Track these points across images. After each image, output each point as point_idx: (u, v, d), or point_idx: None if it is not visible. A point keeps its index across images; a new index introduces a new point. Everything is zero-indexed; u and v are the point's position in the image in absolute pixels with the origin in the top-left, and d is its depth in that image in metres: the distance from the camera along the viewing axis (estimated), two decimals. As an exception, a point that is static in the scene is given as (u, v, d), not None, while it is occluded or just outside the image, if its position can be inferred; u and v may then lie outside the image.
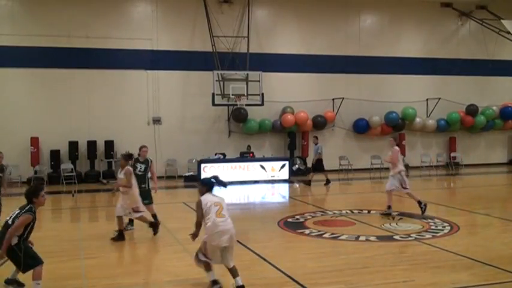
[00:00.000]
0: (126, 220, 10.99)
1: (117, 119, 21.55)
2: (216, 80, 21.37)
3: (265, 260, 8.74)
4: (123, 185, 10.36)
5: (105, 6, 21.61)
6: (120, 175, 10.43)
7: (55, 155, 20.75)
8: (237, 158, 21.49)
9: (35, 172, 20.41)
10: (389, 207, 12.73)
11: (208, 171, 20.26)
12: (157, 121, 22.35)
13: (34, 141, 20.39)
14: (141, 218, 10.66)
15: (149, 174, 11.63)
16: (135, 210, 10.46)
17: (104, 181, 20.63)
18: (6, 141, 20.03)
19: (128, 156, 10.65)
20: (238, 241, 10.15)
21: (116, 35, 21.55)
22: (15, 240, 6.84)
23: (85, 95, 21.35)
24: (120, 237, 10.32)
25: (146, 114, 22.22)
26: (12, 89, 20.60)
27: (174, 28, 22.52)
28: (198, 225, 7.26)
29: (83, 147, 21.17)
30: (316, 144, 19.59)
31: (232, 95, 21.28)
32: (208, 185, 7.35)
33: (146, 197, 11.42)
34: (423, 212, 12.43)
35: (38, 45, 20.66)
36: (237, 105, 21.83)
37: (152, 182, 11.65)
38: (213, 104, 21.31)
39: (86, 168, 21.26)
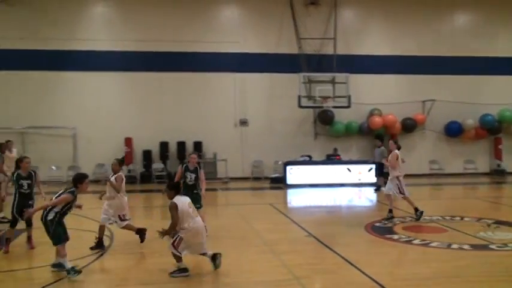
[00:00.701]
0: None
1: (205, 121, 22.09)
2: (303, 82, 21.34)
3: (351, 264, 8.58)
4: (115, 188, 9.87)
5: (195, 12, 22.21)
6: (112, 179, 9.89)
7: (147, 155, 21.60)
8: (323, 161, 21.33)
9: (129, 171, 21.34)
10: (390, 210, 12.50)
11: (294, 173, 20.27)
12: (244, 123, 22.66)
13: (128, 141, 21.36)
14: (127, 227, 10.19)
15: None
16: (122, 218, 10.03)
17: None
18: (102, 141, 21.16)
19: (122, 161, 10.33)
20: (324, 244, 10.10)
21: (205, 39, 22.11)
22: (51, 215, 7.80)
23: (175, 98, 22.06)
24: (99, 245, 9.77)
25: (233, 116, 22.59)
26: (108, 92, 21.68)
27: (260, 31, 22.74)
28: (174, 226, 7.74)
29: (173, 148, 21.88)
30: (379, 147, 18.80)
31: (319, 97, 21.14)
32: (176, 188, 8.05)
33: (198, 201, 11.20)
34: (417, 219, 12.25)
35: (131, 49, 21.63)
36: (323, 107, 21.67)
37: (201, 189, 11.34)
38: (299, 106, 21.29)
39: (175, 168, 21.87)
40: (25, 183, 9.69)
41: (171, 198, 7.94)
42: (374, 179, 20.19)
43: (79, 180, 8.03)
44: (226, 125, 22.45)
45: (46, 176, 19.54)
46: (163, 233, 7.82)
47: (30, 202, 9.72)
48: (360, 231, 11.52)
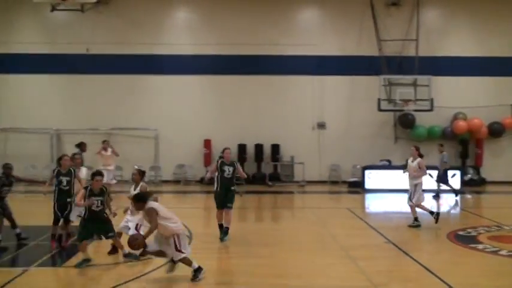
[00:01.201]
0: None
1: (282, 123, 22.11)
2: (383, 85, 20.87)
3: (432, 272, 8.28)
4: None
5: (274, 14, 22.30)
6: (135, 192, 9.31)
7: (225, 156, 21.88)
8: (403, 165, 20.72)
9: (207, 172, 21.71)
10: (415, 219, 12.37)
11: (372, 177, 19.87)
12: (321, 126, 22.48)
13: (207, 143, 21.78)
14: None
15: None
16: (137, 228, 9.26)
17: (270, 183, 21.28)
18: (182, 143, 21.70)
19: (143, 172, 10.08)
20: (403, 251, 9.81)
21: (283, 42, 22.14)
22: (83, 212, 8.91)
23: (253, 100, 22.25)
24: (114, 250, 9.56)
25: (311, 119, 22.46)
26: (188, 94, 22.20)
27: (339, 33, 22.47)
28: (153, 230, 7.74)
29: (250, 150, 22.06)
30: (441, 152, 17.93)
31: (399, 100, 20.61)
32: (143, 198, 7.90)
33: (232, 200, 11.23)
34: (413, 226, 12.19)
35: (212, 53, 22.05)
36: (404, 110, 21.09)
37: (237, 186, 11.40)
38: (379, 109, 20.83)
39: (253, 170, 22.12)
40: (64, 180, 9.96)
41: (141, 209, 7.90)
42: (458, 185, 19.37)
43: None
44: (303, 128, 22.36)
45: (130, 175, 20.29)
46: (144, 237, 7.77)
47: (68, 200, 9.97)
48: (441, 239, 11.11)
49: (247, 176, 21.18)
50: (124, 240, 8.88)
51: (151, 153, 21.75)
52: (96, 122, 21.52)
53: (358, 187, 20.19)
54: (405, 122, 21.98)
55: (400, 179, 19.62)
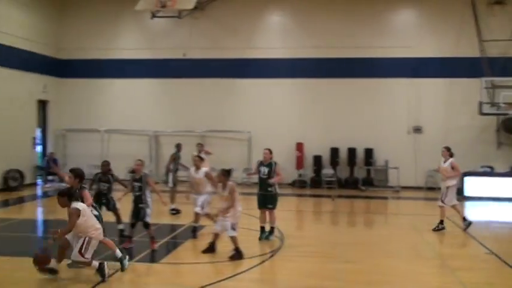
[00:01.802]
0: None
1: (376, 127, 21.65)
2: (485, 88, 19.83)
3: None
4: (225, 209, 9.50)
5: (370, 16, 21.90)
6: (224, 193, 9.52)
7: (317, 160, 21.82)
8: (507, 172, 19.60)
9: (299, 175, 21.76)
10: (464, 218, 12.27)
11: (473, 184, 18.96)
12: (417, 130, 21.75)
13: (299, 146, 21.79)
14: (234, 239, 9.57)
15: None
16: (233, 227, 9.50)
17: (363, 188, 20.90)
18: (275, 145, 21.67)
19: (228, 172, 9.81)
20: (506, 263, 9.24)
21: (378, 44, 21.68)
22: None
23: (347, 103, 21.96)
24: (238, 255, 9.45)
25: (406, 123, 21.80)
26: (281, 97, 22.30)
27: (437, 34, 21.63)
28: (69, 231, 7.82)
29: (343, 154, 21.80)
30: None
31: (503, 103, 19.47)
32: (68, 194, 7.92)
33: (272, 201, 11.07)
34: (436, 230, 12.01)
35: (305, 56, 22.03)
36: (508, 114, 19.91)
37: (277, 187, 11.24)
38: (481, 113, 19.81)
39: (345, 174, 21.83)
40: (136, 185, 10.11)
41: (65, 205, 7.87)
42: None
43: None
44: (398, 132, 21.75)
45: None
46: (58, 237, 7.80)
47: (140, 205, 10.05)
48: (550, 251, 10.35)
49: (340, 179, 21.15)
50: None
51: (244, 155, 22.09)
52: (192, 125, 22.21)
53: (457, 194, 19.27)
54: (509, 127, 20.73)
55: (503, 186, 18.73)
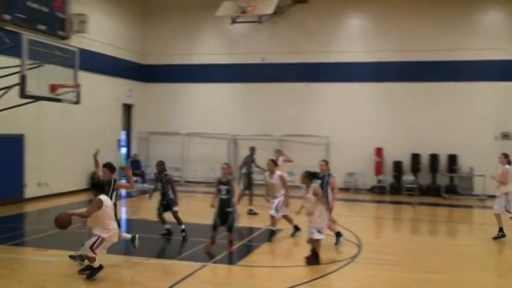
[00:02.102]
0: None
1: (461, 133, 20.75)
2: None
3: None
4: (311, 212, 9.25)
5: (454, 18, 21.06)
6: (308, 194, 9.30)
7: (398, 166, 21.23)
8: None
9: (378, 181, 21.27)
10: (500, 229, 11.81)
11: None
12: (506, 136, 20.63)
13: (378, 151, 21.30)
14: (318, 242, 9.35)
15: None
16: (320, 230, 9.28)
17: (446, 196, 20.12)
18: (353, 150, 21.51)
19: (312, 174, 9.55)
20: None
21: (464, 46, 20.79)
22: None
23: (429, 108, 21.22)
24: (315, 259, 9.26)
25: (493, 129, 20.74)
26: (360, 102, 21.93)
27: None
28: (87, 215, 8.21)
29: (424, 160, 21.08)
30: None
31: None
32: (99, 187, 8.50)
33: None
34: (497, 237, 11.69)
35: (385, 60, 21.52)
36: None
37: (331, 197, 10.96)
38: None
39: (427, 181, 21.10)
40: (224, 188, 9.96)
41: (95, 195, 8.34)
42: None
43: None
44: (484, 138, 20.70)
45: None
46: (73, 214, 8.22)
47: (228, 210, 9.92)
48: None
49: (421, 186, 20.46)
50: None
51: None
52: (270, 129, 22.31)
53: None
54: None
55: None
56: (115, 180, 9.36)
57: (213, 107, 23.27)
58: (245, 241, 11.47)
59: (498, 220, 11.96)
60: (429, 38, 21.04)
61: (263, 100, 22.84)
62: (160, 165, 11.48)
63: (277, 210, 11.26)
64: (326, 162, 11.75)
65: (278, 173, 11.55)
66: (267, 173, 11.66)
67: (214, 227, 10.13)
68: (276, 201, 11.35)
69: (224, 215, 10.03)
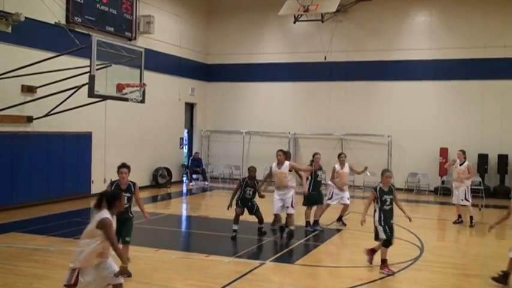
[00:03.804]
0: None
1: (532, 133, 19.86)
2: None
3: None
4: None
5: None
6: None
7: (463, 167, 20.55)
8: None
9: (442, 182, 20.67)
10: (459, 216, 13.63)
11: None
12: None
13: (443, 151, 20.68)
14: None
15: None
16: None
17: (514, 198, 19.31)
18: (416, 150, 21.02)
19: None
20: None
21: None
22: None
23: (497, 107, 20.42)
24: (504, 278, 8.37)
25: None
26: (424, 101, 21.36)
27: None
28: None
29: (493, 161, 20.31)
30: None
31: None
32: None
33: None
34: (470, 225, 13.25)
35: (451, 57, 20.88)
36: None
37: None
38: None
39: (495, 183, 20.31)
40: (388, 198, 8.90)
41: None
42: None
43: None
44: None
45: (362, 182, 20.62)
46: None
47: (391, 221, 8.96)
48: None
49: (488, 188, 19.72)
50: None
51: (383, 160, 21.45)
52: (331, 128, 22.13)
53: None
54: None
55: None
56: (134, 184, 8.40)
57: (274, 106, 23.34)
58: (303, 240, 11.47)
59: (459, 209, 13.89)
60: (497, 35, 20.25)
61: (324, 99, 22.69)
62: (253, 171, 11.51)
63: (292, 206, 11.18)
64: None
65: (287, 162, 11.27)
66: (274, 164, 11.36)
67: (389, 242, 9.01)
68: (289, 196, 11.20)
69: (389, 226, 9.02)
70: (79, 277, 5.61)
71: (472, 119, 20.73)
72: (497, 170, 20.19)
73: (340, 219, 13.24)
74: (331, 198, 13.09)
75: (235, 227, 11.20)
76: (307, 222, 12.29)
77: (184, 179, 22.92)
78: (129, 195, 8.24)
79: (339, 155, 13.63)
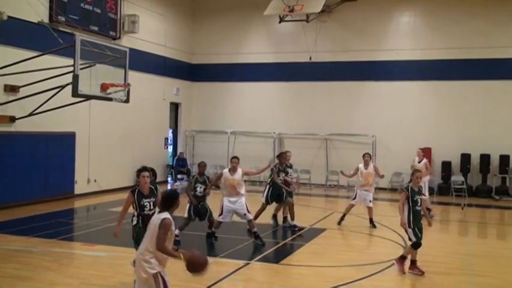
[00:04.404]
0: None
1: (513, 132, 20.13)
2: None
3: None
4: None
5: (506, 15, 20.41)
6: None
7: (446, 166, 20.77)
8: None
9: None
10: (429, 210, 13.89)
11: None
12: (562, 136, 19.87)
13: (426, 151, 20.83)
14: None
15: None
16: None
17: (497, 197, 19.55)
18: (400, 150, 21.08)
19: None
20: None
21: (517, 43, 20.18)
22: (134, 221, 7.71)
23: (479, 107, 20.65)
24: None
25: (549, 129, 20.02)
26: (408, 101, 21.52)
27: None
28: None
29: (475, 161, 20.54)
30: None
31: None
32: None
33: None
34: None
35: (434, 58, 21.08)
36: None
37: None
38: None
39: (477, 182, 20.55)
40: (419, 198, 8.83)
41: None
42: None
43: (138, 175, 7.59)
44: (539, 138, 20.04)
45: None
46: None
47: (421, 222, 8.94)
48: None
49: (470, 187, 19.93)
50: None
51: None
52: (316, 128, 22.22)
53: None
54: None
55: None
56: (156, 188, 7.88)
57: (260, 106, 23.36)
58: (288, 240, 11.50)
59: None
60: (480, 36, 20.49)
61: (309, 99, 22.77)
62: (202, 167, 10.99)
63: (249, 211, 10.84)
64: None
65: (240, 169, 10.95)
66: (226, 170, 11.08)
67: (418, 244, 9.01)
68: (242, 203, 10.89)
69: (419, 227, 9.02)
70: (164, 278, 5.77)
71: (456, 119, 20.94)
72: (480, 169, 20.43)
73: (371, 221, 12.91)
74: (354, 198, 13.13)
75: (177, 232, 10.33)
76: (285, 218, 12.67)
77: (169, 179, 22.85)
78: (154, 199, 7.62)
79: (364, 155, 13.55)
